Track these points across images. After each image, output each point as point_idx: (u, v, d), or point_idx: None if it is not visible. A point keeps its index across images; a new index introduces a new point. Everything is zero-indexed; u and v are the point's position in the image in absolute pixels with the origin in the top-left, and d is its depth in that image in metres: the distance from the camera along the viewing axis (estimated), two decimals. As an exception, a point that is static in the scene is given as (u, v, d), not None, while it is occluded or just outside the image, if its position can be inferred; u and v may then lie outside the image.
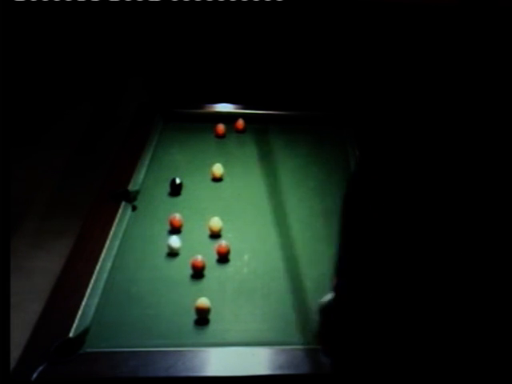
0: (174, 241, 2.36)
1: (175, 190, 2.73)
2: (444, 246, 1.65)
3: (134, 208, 2.62)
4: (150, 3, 4.80)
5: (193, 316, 2.04)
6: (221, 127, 3.23)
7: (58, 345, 1.86)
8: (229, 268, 2.30)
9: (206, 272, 2.25)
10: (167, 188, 2.74)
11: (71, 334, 1.91)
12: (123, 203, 2.58)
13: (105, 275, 2.21)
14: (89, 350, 1.88)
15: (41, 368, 1.79)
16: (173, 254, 2.35)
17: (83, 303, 2.04)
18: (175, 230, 2.45)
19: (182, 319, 2.04)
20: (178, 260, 2.32)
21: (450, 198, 1.77)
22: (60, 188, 4.37)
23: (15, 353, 1.86)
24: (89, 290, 2.10)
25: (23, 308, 2.97)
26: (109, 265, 2.27)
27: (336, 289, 1.56)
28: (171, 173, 2.83)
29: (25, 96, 5.31)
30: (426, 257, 1.65)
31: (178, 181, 2.73)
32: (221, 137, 3.22)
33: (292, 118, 3.39)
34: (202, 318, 2.04)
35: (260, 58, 4.89)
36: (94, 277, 2.15)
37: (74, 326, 1.94)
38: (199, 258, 2.24)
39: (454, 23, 4.98)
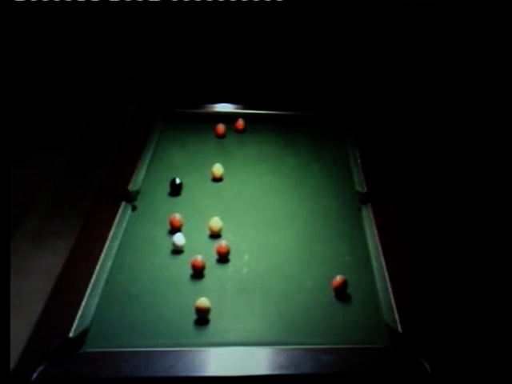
0: (179, 238, 2.36)
1: (175, 190, 2.73)
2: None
3: (134, 208, 2.62)
4: (149, 3, 4.80)
5: (193, 316, 2.04)
6: (221, 127, 3.23)
7: (58, 345, 1.86)
8: (229, 268, 2.30)
9: (206, 272, 2.25)
10: (167, 188, 2.74)
11: (71, 334, 1.91)
12: (123, 203, 2.58)
13: (105, 275, 2.22)
14: (89, 350, 1.88)
15: (41, 368, 1.79)
16: (177, 251, 2.35)
17: (83, 303, 2.03)
18: (175, 229, 2.45)
19: (182, 319, 2.04)
20: (178, 260, 2.32)
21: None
22: (60, 188, 4.37)
23: (15, 353, 1.86)
24: (89, 290, 2.09)
25: (23, 308, 2.96)
26: (109, 265, 2.27)
27: None
28: (171, 173, 2.83)
29: (25, 96, 5.32)
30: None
31: (177, 181, 2.73)
32: (221, 137, 3.23)
33: (292, 117, 3.39)
34: (202, 317, 2.04)
35: (260, 57, 4.90)
36: (93, 277, 2.15)
37: (74, 325, 1.94)
38: (199, 257, 2.24)
39: (454, 23, 5.01)
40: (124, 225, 2.50)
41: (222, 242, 2.35)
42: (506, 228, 3.94)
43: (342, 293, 2.16)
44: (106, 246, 2.32)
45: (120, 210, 2.53)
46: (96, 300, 2.10)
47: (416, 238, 3.49)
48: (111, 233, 2.39)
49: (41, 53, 5.51)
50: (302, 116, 3.41)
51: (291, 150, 3.13)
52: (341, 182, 2.86)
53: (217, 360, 1.89)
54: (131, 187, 2.68)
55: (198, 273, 2.23)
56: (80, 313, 1.99)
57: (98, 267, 2.20)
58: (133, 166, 2.82)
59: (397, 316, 2.01)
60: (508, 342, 3.14)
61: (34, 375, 1.77)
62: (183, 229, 2.47)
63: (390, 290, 2.13)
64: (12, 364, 1.83)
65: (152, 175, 2.86)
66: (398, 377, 1.85)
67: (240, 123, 3.27)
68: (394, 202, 2.67)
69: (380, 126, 3.48)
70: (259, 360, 1.88)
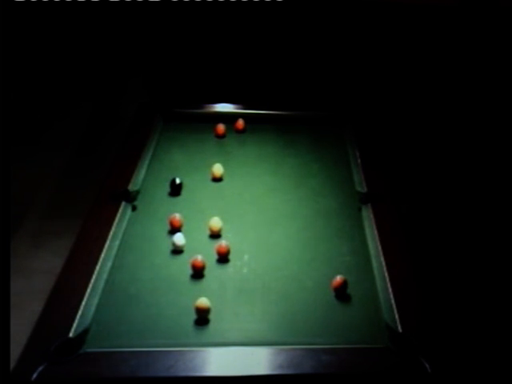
0: (179, 238, 2.36)
1: (175, 189, 2.73)
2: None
3: (134, 208, 2.62)
4: (149, 3, 4.80)
5: (193, 316, 2.04)
6: (221, 127, 3.23)
7: (58, 345, 1.86)
8: (229, 268, 2.30)
9: (206, 272, 2.25)
10: (167, 188, 2.74)
11: (71, 334, 1.91)
12: (123, 203, 2.58)
13: (105, 275, 2.22)
14: (89, 350, 1.88)
15: (41, 368, 1.79)
16: (177, 251, 2.35)
17: (83, 303, 2.03)
18: (175, 229, 2.45)
19: (182, 319, 2.04)
20: (178, 260, 2.32)
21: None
22: (60, 188, 4.37)
23: (15, 353, 1.86)
24: (89, 290, 2.09)
25: (23, 308, 2.97)
26: (109, 265, 2.27)
27: None
28: (171, 173, 2.83)
29: (25, 96, 5.32)
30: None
31: (177, 181, 2.73)
32: (221, 137, 3.23)
33: (292, 117, 3.39)
34: (202, 317, 2.04)
35: (260, 57, 4.90)
36: (93, 277, 2.15)
37: (74, 325, 1.94)
38: (199, 257, 2.24)
39: (454, 23, 5.01)
40: (124, 225, 2.50)
41: (222, 242, 2.35)
42: (505, 227, 3.94)
43: (342, 293, 2.16)
44: (106, 245, 2.32)
45: (120, 210, 2.53)
46: (96, 300, 2.09)
47: (416, 238, 3.49)
48: (111, 233, 2.39)
49: (41, 53, 5.52)
50: (302, 116, 3.41)
51: (291, 150, 3.13)
52: (341, 182, 2.86)
53: (217, 360, 1.89)
54: (131, 187, 2.68)
55: (197, 273, 2.23)
56: (80, 313, 1.99)
57: (97, 267, 2.20)
58: (133, 166, 2.82)
59: (397, 316, 2.01)
60: (508, 341, 3.14)
61: (34, 375, 1.77)
62: (183, 229, 2.47)
63: (390, 290, 2.13)
64: (12, 364, 1.83)
65: (152, 175, 2.86)
66: (398, 377, 1.85)
67: (240, 123, 3.27)
68: (393, 201, 2.67)
69: (380, 125, 3.48)
70: (259, 360, 1.88)
